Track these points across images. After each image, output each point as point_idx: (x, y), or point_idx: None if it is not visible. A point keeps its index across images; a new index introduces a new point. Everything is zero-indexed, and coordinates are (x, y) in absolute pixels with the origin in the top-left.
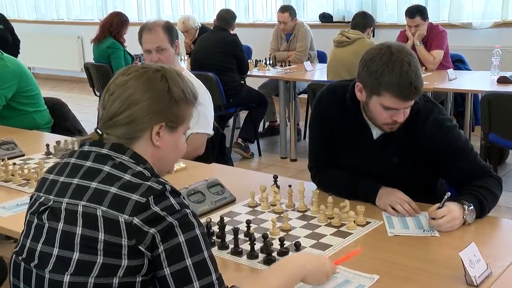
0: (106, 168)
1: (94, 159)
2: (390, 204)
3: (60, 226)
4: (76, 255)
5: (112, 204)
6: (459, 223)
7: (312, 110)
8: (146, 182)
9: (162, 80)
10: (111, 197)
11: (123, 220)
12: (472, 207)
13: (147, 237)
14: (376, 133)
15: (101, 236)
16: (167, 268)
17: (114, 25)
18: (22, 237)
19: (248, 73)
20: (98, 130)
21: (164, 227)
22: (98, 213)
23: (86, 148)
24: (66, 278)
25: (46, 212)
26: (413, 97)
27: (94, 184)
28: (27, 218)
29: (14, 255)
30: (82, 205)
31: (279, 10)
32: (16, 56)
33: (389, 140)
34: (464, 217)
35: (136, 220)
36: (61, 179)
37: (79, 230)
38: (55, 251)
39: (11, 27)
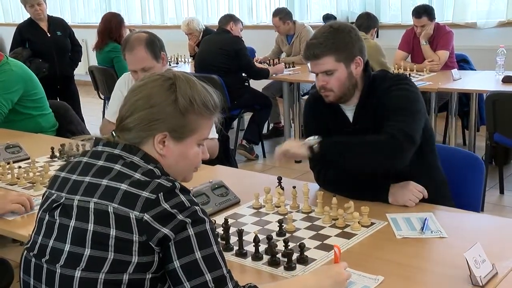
0: (117, 167)
1: (106, 159)
2: (410, 199)
3: (72, 223)
4: (87, 251)
5: (123, 200)
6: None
7: (304, 113)
8: (156, 180)
9: (170, 89)
10: (122, 194)
11: (134, 217)
12: (317, 138)
13: (158, 235)
14: (350, 116)
15: (113, 232)
16: (177, 261)
17: (113, 30)
18: (33, 234)
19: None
20: (113, 132)
21: (175, 226)
22: (109, 210)
23: (99, 148)
24: (77, 274)
25: (58, 209)
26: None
27: (105, 182)
28: (39, 215)
29: (25, 251)
30: (94, 202)
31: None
32: (76, 64)
33: (360, 117)
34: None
35: (146, 217)
36: (73, 177)
37: (90, 226)
38: (67, 247)
39: (71, 32)
